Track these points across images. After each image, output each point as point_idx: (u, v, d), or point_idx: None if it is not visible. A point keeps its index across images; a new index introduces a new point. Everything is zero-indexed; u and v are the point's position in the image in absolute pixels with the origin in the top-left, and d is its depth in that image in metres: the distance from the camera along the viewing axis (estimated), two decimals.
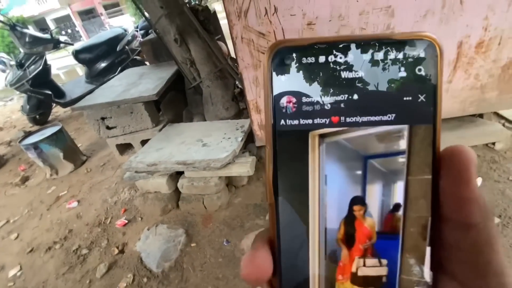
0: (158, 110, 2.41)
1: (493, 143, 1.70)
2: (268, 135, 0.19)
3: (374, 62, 0.18)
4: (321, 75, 0.18)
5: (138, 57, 4.19)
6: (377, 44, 0.18)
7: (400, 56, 0.18)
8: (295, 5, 1.27)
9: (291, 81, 0.18)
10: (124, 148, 2.49)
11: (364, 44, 0.18)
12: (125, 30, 4.22)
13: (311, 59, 0.18)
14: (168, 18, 2.11)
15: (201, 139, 1.82)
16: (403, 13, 1.28)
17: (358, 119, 0.18)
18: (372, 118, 0.18)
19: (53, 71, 3.97)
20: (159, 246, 1.57)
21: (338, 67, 0.18)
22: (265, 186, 0.20)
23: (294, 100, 0.18)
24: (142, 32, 4.55)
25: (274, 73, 0.18)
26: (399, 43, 0.18)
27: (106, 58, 3.97)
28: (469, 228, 0.17)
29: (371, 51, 0.18)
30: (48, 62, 3.73)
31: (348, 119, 0.18)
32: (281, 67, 0.18)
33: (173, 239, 1.60)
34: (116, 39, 4.03)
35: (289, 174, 0.19)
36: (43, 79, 3.62)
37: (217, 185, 1.66)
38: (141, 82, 2.44)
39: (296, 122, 0.18)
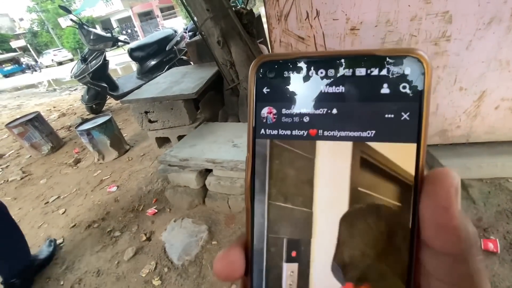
0: (196, 108, 2.51)
1: None
2: (249, 142, 0.19)
3: (356, 78, 0.18)
4: (302, 89, 0.18)
5: (184, 57, 4.43)
6: (359, 60, 0.18)
7: (384, 72, 0.17)
8: (339, 9, 1.21)
9: (273, 93, 0.19)
10: (163, 141, 2.64)
11: (347, 60, 0.18)
12: (175, 31, 4.50)
13: (294, 73, 0.19)
14: (213, 20, 2.19)
15: (232, 139, 1.84)
16: (463, 20, 1.15)
17: (336, 133, 0.18)
18: (351, 134, 0.18)
19: (112, 66, 4.41)
20: (182, 239, 1.62)
21: (319, 82, 0.18)
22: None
23: (274, 111, 0.19)
24: (190, 33, 4.81)
25: (258, 85, 0.19)
26: (383, 59, 0.17)
27: (156, 57, 4.27)
28: (448, 259, 0.16)
29: (353, 67, 0.18)
30: (107, 58, 4.14)
31: (326, 133, 0.18)
32: (264, 80, 0.19)
33: (196, 234, 1.64)
34: (166, 39, 4.31)
35: (264, 181, 0.19)
36: (102, 73, 4.03)
37: (243, 186, 1.66)
38: (183, 80, 2.57)
39: (275, 132, 0.19)
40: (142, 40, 4.67)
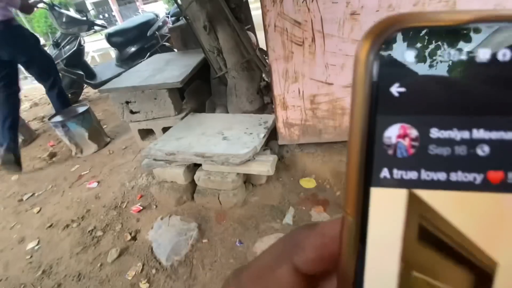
0: (182, 98, 2.37)
1: None
2: (354, 193, 0.10)
3: None
4: (474, 87, 0.09)
5: (167, 44, 4.20)
6: None
7: None
8: None
9: (410, 96, 0.10)
10: (146, 133, 2.49)
11: None
12: (156, 16, 4.24)
13: (457, 56, 0.09)
14: (199, 3, 2.04)
15: (222, 131, 1.74)
16: (467, 6, 1.09)
17: None
18: None
19: (90, 53, 4.09)
20: (170, 238, 1.53)
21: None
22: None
23: (414, 133, 0.10)
24: (173, 18, 4.54)
25: (377, 81, 0.10)
26: None
27: (136, 43, 4.02)
28: None
29: None
30: (82, 44, 3.84)
31: None
32: (393, 70, 0.10)
33: (185, 232, 1.55)
34: (147, 24, 4.06)
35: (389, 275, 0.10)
36: (77, 60, 3.74)
37: (234, 181, 1.59)
38: (167, 68, 2.41)
39: (413, 175, 0.10)
40: (121, 24, 4.38)
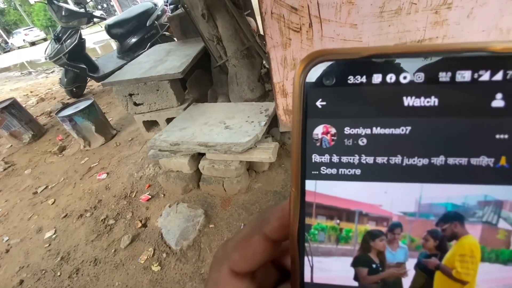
0: (184, 88, 2.39)
1: None
2: (297, 175, 0.15)
3: (456, 86, 0.12)
4: (371, 100, 0.13)
5: (167, 33, 4.17)
6: (464, 60, 0.12)
7: (498, 77, 0.12)
8: None
9: (329, 107, 0.14)
10: (151, 124, 2.54)
11: (444, 59, 0.12)
12: (155, 5, 4.18)
13: (363, 79, 0.13)
14: None
15: (224, 121, 1.77)
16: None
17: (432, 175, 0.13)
18: (450, 174, 0.13)
19: (90, 45, 4.10)
20: (178, 224, 1.60)
21: (400, 91, 0.13)
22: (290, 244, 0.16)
23: (333, 131, 0.14)
24: (171, 7, 4.48)
25: (307, 98, 0.14)
26: (502, 59, 0.12)
27: (136, 33, 4.00)
28: None
29: (451, 69, 0.12)
30: (83, 37, 3.84)
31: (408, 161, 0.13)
32: (318, 90, 0.14)
33: (193, 218, 1.62)
34: (146, 13, 4.02)
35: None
36: (79, 53, 3.75)
37: (238, 169, 1.63)
38: (168, 59, 2.42)
39: (336, 159, 0.14)
40: (120, 15, 4.33)
